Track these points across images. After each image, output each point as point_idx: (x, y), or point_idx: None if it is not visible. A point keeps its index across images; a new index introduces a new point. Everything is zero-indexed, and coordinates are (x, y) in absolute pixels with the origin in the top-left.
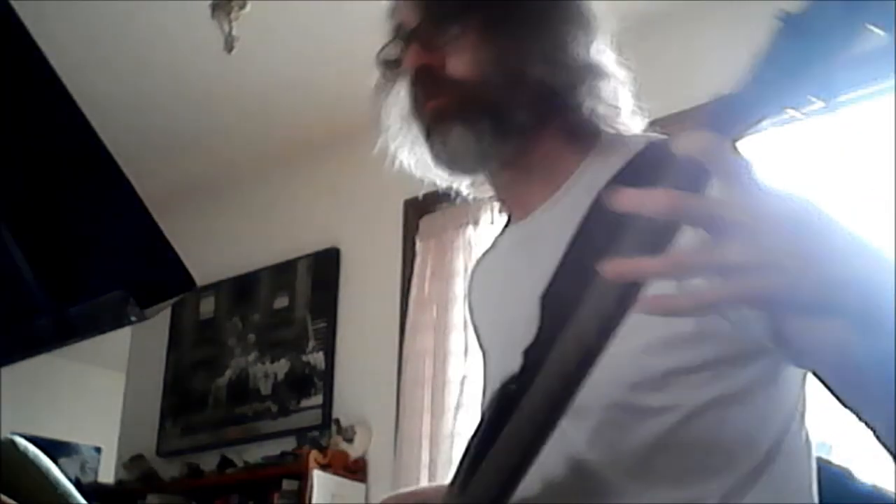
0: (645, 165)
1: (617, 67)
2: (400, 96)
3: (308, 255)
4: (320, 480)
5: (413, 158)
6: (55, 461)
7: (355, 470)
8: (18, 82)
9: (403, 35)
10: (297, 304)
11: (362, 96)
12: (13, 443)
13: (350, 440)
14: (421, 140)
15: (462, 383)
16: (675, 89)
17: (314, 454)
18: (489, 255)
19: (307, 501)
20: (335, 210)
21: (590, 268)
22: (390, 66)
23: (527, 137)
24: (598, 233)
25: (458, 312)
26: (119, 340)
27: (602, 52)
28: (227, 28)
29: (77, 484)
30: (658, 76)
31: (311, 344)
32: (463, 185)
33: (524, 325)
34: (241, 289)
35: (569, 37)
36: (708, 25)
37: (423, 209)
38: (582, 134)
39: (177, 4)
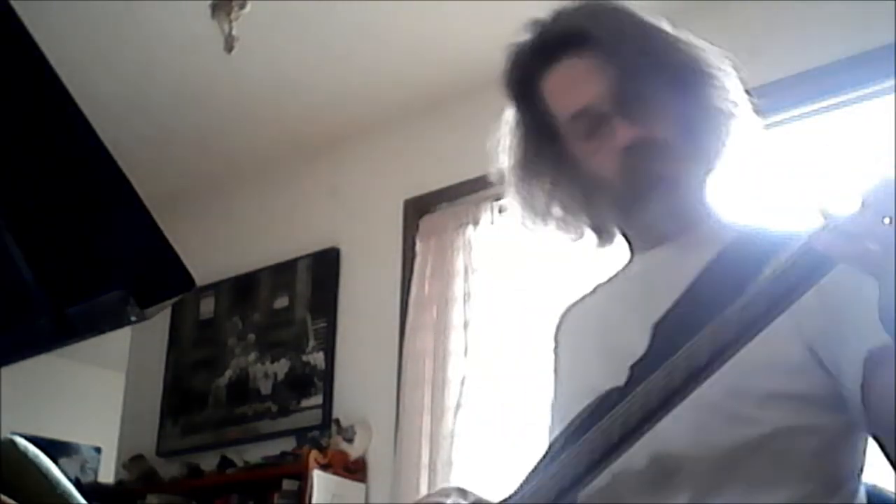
0: (733, 262)
1: (747, 104)
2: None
3: (308, 255)
4: (320, 480)
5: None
6: (55, 461)
7: (355, 470)
8: (18, 82)
9: (606, 113)
10: (297, 304)
11: (362, 97)
12: (13, 443)
13: (350, 440)
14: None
15: (462, 383)
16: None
17: (314, 454)
18: (619, 278)
19: (307, 501)
20: (335, 210)
21: (704, 308)
22: (582, 141)
23: (696, 188)
24: (714, 283)
25: (458, 312)
26: (119, 340)
27: (736, 92)
28: (227, 28)
29: (77, 484)
30: None
31: (311, 344)
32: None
33: (636, 339)
34: (241, 289)
35: (719, 88)
36: (708, 25)
37: (423, 209)
38: (706, 180)
39: (177, 4)
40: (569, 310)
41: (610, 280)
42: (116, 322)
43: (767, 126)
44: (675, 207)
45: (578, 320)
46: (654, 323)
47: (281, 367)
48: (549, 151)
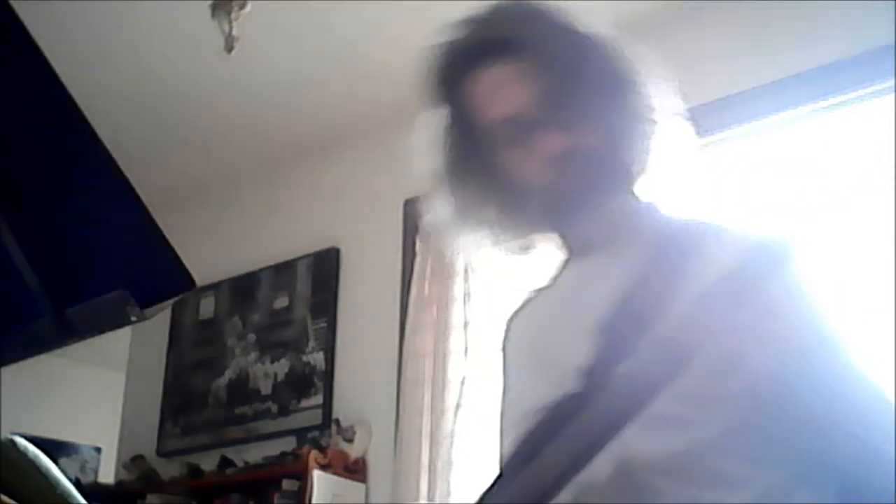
0: (675, 253)
1: (672, 101)
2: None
3: (308, 255)
4: (320, 480)
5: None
6: (55, 461)
7: (355, 470)
8: (18, 83)
9: (522, 122)
10: (297, 304)
11: (362, 97)
12: (13, 443)
13: (350, 440)
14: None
15: (462, 383)
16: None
17: (314, 454)
18: (552, 286)
19: (307, 501)
20: (335, 210)
21: (641, 309)
22: (501, 150)
23: (625, 194)
24: (650, 285)
25: (458, 313)
26: (119, 340)
27: (663, 92)
28: (227, 28)
29: (77, 484)
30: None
31: (311, 344)
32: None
33: (577, 347)
34: (241, 289)
35: (642, 94)
36: (708, 25)
37: (423, 209)
38: (638, 177)
39: (177, 4)
40: (513, 318)
41: (548, 286)
42: (116, 322)
43: (767, 126)
44: (604, 214)
45: (521, 330)
46: (596, 329)
47: (281, 367)
48: (475, 158)
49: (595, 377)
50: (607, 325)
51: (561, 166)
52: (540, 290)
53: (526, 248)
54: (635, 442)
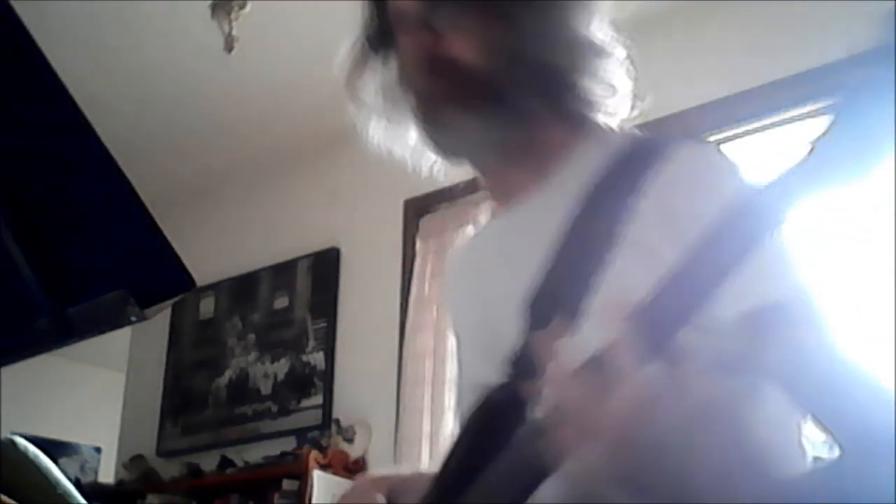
0: (629, 168)
1: (615, 45)
2: (383, 74)
3: (308, 255)
4: (320, 480)
5: (390, 137)
6: (55, 461)
7: (355, 470)
8: (18, 83)
9: (404, 17)
10: (297, 304)
11: None
12: (13, 443)
13: (350, 440)
14: (411, 122)
15: None
16: (674, 89)
17: (314, 454)
18: (471, 242)
19: (307, 501)
20: (335, 210)
21: (577, 273)
22: (378, 43)
23: (528, 122)
24: (585, 237)
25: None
26: (119, 340)
27: (600, 29)
28: (227, 28)
29: (77, 484)
30: (657, 76)
31: (311, 344)
32: (439, 165)
33: (506, 324)
34: (241, 289)
35: (568, 15)
36: (708, 25)
37: (423, 209)
38: (574, 118)
39: (177, 4)
40: (454, 255)
41: (483, 229)
42: (116, 322)
43: (767, 126)
44: (487, 143)
45: (458, 274)
46: (527, 301)
47: (281, 367)
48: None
49: (523, 368)
50: (533, 298)
51: (425, 73)
52: (471, 238)
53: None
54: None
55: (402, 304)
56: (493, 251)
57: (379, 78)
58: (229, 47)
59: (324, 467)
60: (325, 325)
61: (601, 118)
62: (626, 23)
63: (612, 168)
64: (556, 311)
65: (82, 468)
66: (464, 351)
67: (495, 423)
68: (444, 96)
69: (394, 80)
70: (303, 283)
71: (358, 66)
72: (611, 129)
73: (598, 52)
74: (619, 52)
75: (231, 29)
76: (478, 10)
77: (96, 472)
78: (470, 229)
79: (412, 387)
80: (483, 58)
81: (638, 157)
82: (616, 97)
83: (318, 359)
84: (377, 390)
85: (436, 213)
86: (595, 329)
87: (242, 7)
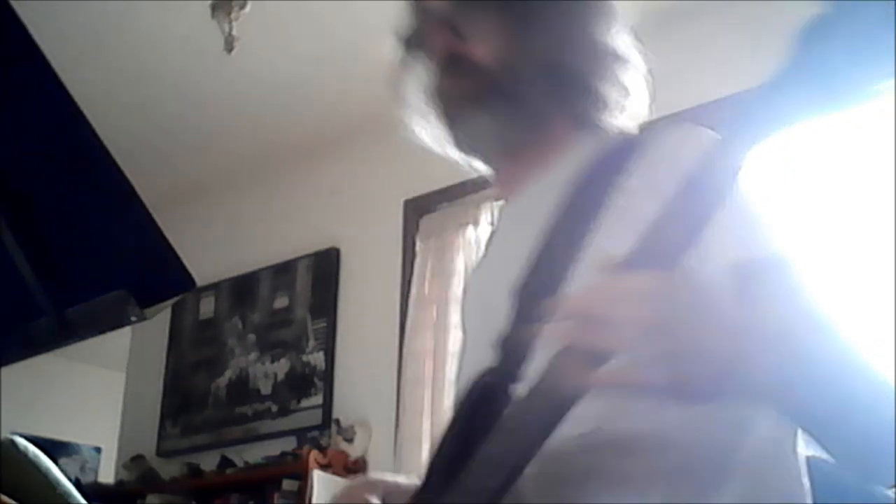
0: (615, 159)
1: (632, 51)
2: (421, 74)
3: (308, 255)
4: (320, 480)
5: (431, 137)
6: (55, 461)
7: (355, 470)
8: (19, 84)
9: (429, 17)
10: (297, 304)
11: (362, 97)
12: (13, 443)
13: (350, 440)
14: (439, 121)
15: None
16: (675, 89)
17: (314, 454)
18: (485, 247)
19: (307, 501)
20: (335, 210)
21: (559, 261)
22: (413, 44)
23: (541, 123)
24: (567, 227)
25: (459, 312)
26: (119, 340)
27: (619, 35)
28: (227, 28)
29: (77, 484)
30: (658, 75)
31: (311, 344)
32: (474, 167)
33: (502, 313)
34: (241, 289)
35: (589, 20)
36: (708, 25)
37: (423, 209)
38: (585, 120)
39: (177, 4)
40: (473, 271)
41: (492, 235)
42: (116, 322)
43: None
44: (499, 140)
45: (469, 289)
46: (514, 288)
47: (281, 367)
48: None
49: (509, 350)
50: (520, 285)
51: (443, 70)
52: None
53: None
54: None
55: (401, 304)
56: (497, 246)
57: (418, 78)
58: (229, 47)
59: (324, 467)
60: (324, 324)
61: (611, 120)
62: (626, 23)
63: (599, 160)
64: (540, 298)
65: (82, 468)
66: (468, 349)
67: (485, 405)
68: (462, 94)
69: (428, 80)
70: (303, 282)
71: (400, 66)
72: (617, 129)
73: (614, 57)
74: (636, 59)
75: (231, 29)
76: (499, 12)
77: (96, 472)
78: (470, 229)
79: (412, 387)
80: (502, 59)
81: (625, 148)
82: (629, 101)
83: (318, 359)
84: (377, 390)
85: (436, 213)
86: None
87: (242, 7)
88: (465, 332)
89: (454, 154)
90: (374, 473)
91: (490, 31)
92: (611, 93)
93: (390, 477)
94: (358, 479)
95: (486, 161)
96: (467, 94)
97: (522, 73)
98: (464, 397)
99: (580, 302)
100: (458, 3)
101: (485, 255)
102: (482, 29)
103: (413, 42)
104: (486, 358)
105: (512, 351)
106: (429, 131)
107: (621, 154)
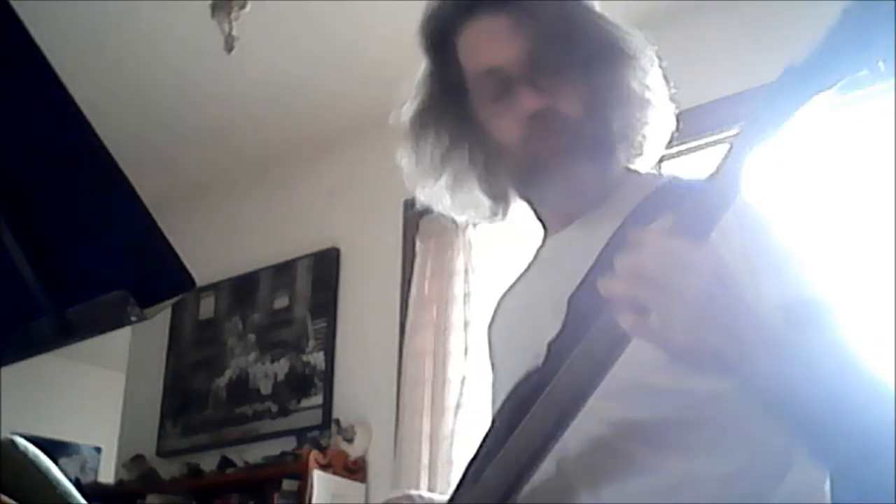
0: (652, 206)
1: (664, 92)
2: (450, 130)
3: (308, 255)
4: (320, 480)
5: (448, 190)
6: (55, 461)
7: (355, 470)
8: (18, 83)
9: (501, 76)
10: (297, 304)
11: (362, 97)
12: (13, 443)
13: (350, 440)
14: (474, 181)
15: (462, 383)
16: (675, 89)
17: (314, 454)
18: (527, 269)
19: (307, 501)
20: (335, 210)
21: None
22: (447, 97)
23: (609, 166)
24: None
25: (458, 312)
26: (119, 340)
27: (655, 79)
28: (227, 28)
29: (77, 484)
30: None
31: (311, 344)
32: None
33: (550, 325)
34: (241, 289)
35: (637, 72)
36: (708, 25)
37: (423, 209)
38: (625, 159)
39: (177, 4)
40: (500, 302)
41: (528, 266)
42: (116, 322)
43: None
44: (577, 184)
45: (505, 314)
46: (568, 297)
47: (281, 367)
48: (455, 107)
49: (558, 351)
50: (572, 298)
51: (536, 127)
52: (524, 270)
53: (494, 214)
54: (603, 417)
55: (401, 304)
56: (539, 275)
57: (445, 135)
58: (229, 47)
59: (324, 467)
60: (324, 325)
61: (639, 161)
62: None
63: (644, 204)
64: (592, 309)
65: (82, 468)
66: (504, 359)
67: (526, 404)
68: (549, 147)
69: (458, 138)
70: (303, 283)
71: (422, 120)
72: (645, 173)
73: (650, 104)
74: (663, 102)
75: (231, 29)
76: (572, 68)
77: (96, 472)
78: (470, 230)
79: (412, 387)
80: (583, 111)
81: (664, 195)
82: (647, 145)
83: (318, 359)
84: (377, 390)
85: (436, 213)
86: None
87: (242, 7)
88: (494, 358)
89: (477, 210)
90: (412, 490)
91: (570, 87)
92: (647, 137)
93: (427, 494)
94: (396, 493)
95: (543, 203)
96: (558, 146)
97: (599, 123)
98: (507, 397)
99: (636, 262)
100: (535, 65)
101: (519, 282)
102: (563, 85)
103: (448, 96)
104: (531, 361)
105: (561, 350)
106: (450, 192)
107: (658, 205)
